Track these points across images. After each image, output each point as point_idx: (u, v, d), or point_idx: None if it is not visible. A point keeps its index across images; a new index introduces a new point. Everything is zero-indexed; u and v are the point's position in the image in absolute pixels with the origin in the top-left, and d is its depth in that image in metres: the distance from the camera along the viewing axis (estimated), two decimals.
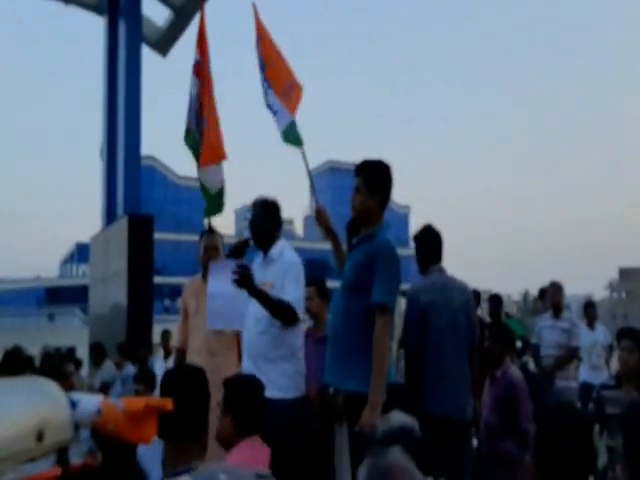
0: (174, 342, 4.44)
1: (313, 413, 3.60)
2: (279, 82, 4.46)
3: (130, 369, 7.29)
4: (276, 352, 3.50)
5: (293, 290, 3.51)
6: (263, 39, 4.57)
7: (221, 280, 3.63)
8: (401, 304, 4.39)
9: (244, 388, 2.68)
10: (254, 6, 4.60)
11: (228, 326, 3.87)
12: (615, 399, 3.91)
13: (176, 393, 1.74)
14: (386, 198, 3.29)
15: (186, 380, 1.98)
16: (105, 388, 6.96)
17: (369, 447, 2.11)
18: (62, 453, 2.48)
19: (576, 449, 1.76)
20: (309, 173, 4.32)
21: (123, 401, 1.20)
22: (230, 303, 3.64)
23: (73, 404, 1.12)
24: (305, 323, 3.95)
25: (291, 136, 4.32)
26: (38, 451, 1.01)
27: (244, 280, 3.30)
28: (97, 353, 8.31)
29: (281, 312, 3.45)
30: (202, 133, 4.48)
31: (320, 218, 3.67)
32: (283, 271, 3.57)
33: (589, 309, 7.72)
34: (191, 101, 4.65)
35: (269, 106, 4.50)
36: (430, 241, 3.83)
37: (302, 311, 3.62)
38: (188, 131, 4.63)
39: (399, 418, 2.12)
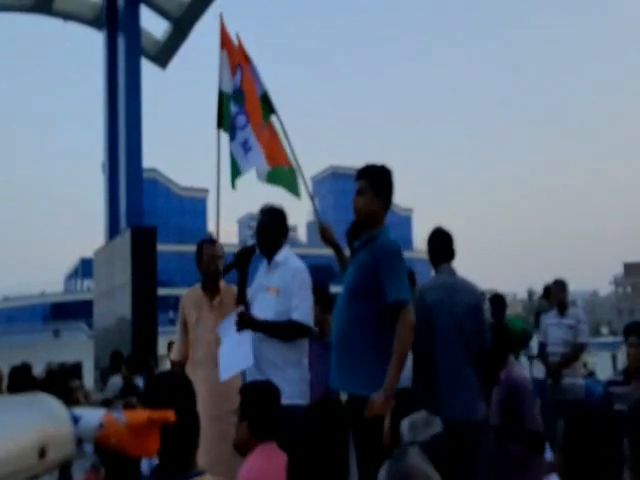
0: (172, 355, 4.42)
1: (325, 419, 3.59)
2: (256, 118, 4.46)
3: (140, 382, 7.25)
4: (282, 358, 3.52)
5: (301, 302, 3.57)
6: (245, 69, 4.55)
7: (229, 334, 3.66)
8: None
9: (260, 394, 2.72)
10: (237, 36, 4.61)
11: (239, 368, 3.76)
12: (623, 395, 3.89)
13: (159, 401, 1.74)
14: (389, 201, 3.32)
15: (166, 388, 1.96)
16: (107, 404, 6.91)
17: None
18: (65, 469, 2.47)
19: (607, 451, 1.71)
20: (313, 202, 4.38)
21: (125, 414, 1.19)
22: (236, 348, 3.62)
23: (75, 419, 1.11)
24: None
25: (282, 180, 4.35)
26: (40, 468, 1.00)
27: (244, 322, 3.51)
28: (115, 361, 8.23)
29: (290, 333, 3.55)
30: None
31: (324, 235, 3.71)
32: (289, 277, 3.60)
33: None
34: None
35: (244, 143, 4.50)
36: (439, 241, 3.82)
37: (311, 320, 3.64)
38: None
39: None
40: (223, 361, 3.67)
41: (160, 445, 1.21)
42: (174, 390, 1.92)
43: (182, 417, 1.70)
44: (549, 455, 4.61)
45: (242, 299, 3.79)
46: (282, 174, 4.40)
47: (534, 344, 7.25)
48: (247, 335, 3.55)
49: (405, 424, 1.53)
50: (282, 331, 3.54)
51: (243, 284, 3.83)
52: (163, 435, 1.22)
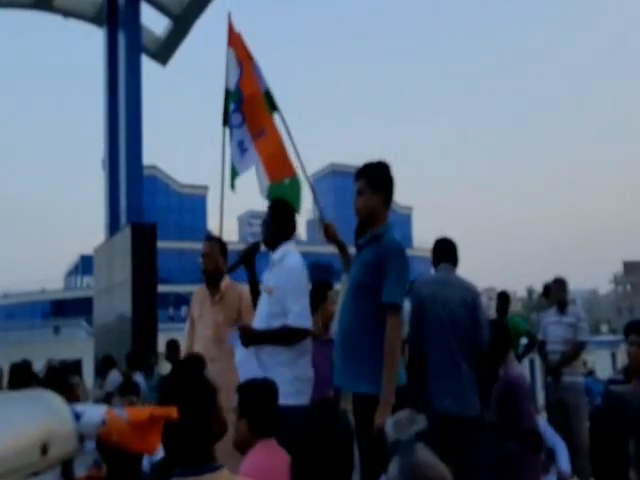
0: (182, 350, 4.42)
1: (325, 417, 3.57)
2: (253, 119, 4.43)
3: (140, 379, 7.25)
4: (273, 359, 3.48)
5: (293, 303, 3.49)
6: (246, 68, 4.53)
7: (239, 347, 3.61)
8: (405, 303, 4.38)
9: (258, 391, 2.70)
10: (240, 34, 4.60)
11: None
12: (624, 394, 3.88)
13: (177, 395, 1.71)
14: (390, 197, 3.30)
15: (185, 381, 1.94)
16: (108, 398, 6.92)
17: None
18: (66, 466, 2.47)
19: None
20: (316, 199, 4.36)
21: (127, 411, 1.19)
22: (247, 361, 3.55)
23: (77, 416, 1.11)
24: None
25: (283, 194, 4.28)
26: (43, 464, 1.00)
27: (246, 340, 3.47)
28: (105, 365, 8.27)
29: (289, 339, 3.49)
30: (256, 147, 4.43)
31: (327, 232, 3.71)
32: (283, 277, 3.56)
33: None
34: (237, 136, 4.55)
35: (240, 143, 4.46)
36: (440, 246, 4.03)
37: (307, 320, 3.56)
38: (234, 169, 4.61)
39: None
40: (241, 372, 3.56)
41: (167, 436, 1.20)
42: (184, 382, 1.89)
43: (190, 409, 1.67)
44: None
45: (254, 295, 3.77)
46: (282, 188, 4.38)
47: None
48: (252, 351, 3.50)
49: (389, 423, 1.53)
50: (281, 339, 3.49)
51: (253, 280, 3.82)
52: (170, 427, 1.21)
